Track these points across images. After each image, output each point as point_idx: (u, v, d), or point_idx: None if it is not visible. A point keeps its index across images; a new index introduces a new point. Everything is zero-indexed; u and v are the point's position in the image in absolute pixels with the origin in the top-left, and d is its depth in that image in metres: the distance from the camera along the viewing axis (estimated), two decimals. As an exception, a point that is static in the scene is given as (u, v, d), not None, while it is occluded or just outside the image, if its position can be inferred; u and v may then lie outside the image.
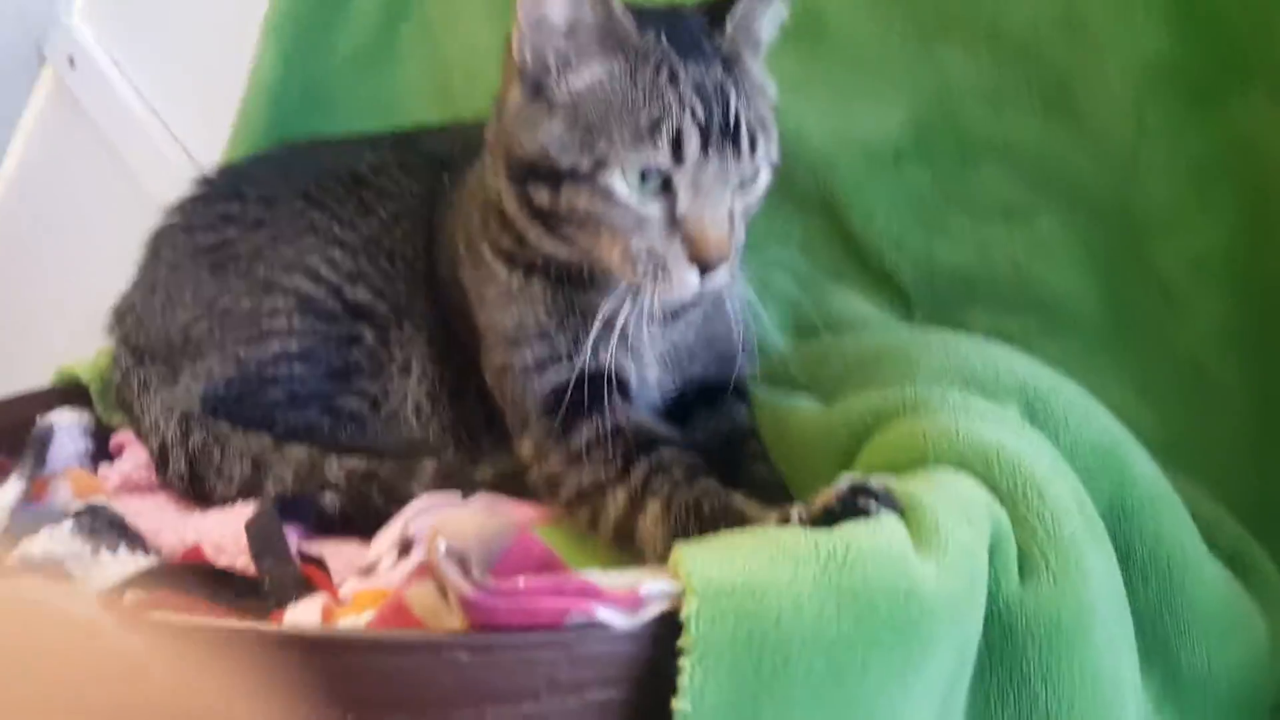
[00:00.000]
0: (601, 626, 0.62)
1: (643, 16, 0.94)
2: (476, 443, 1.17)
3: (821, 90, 1.30)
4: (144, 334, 1.19)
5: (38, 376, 1.32)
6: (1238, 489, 1.11)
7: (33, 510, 1.04)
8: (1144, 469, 0.97)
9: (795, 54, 1.30)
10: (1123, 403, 1.14)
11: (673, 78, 0.90)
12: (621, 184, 0.90)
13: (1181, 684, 0.95)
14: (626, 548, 0.92)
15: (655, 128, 0.89)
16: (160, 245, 1.24)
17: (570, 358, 0.99)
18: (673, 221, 0.90)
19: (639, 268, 0.91)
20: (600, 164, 0.90)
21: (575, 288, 1.00)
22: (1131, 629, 0.86)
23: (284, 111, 1.58)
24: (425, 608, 0.66)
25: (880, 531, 0.70)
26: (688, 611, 0.61)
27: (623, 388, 1.01)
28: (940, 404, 0.89)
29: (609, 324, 0.95)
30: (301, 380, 1.13)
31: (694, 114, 0.89)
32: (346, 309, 1.14)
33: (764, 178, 0.96)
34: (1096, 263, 1.18)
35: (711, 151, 0.90)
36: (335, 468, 1.06)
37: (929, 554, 0.70)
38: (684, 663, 0.60)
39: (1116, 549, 0.93)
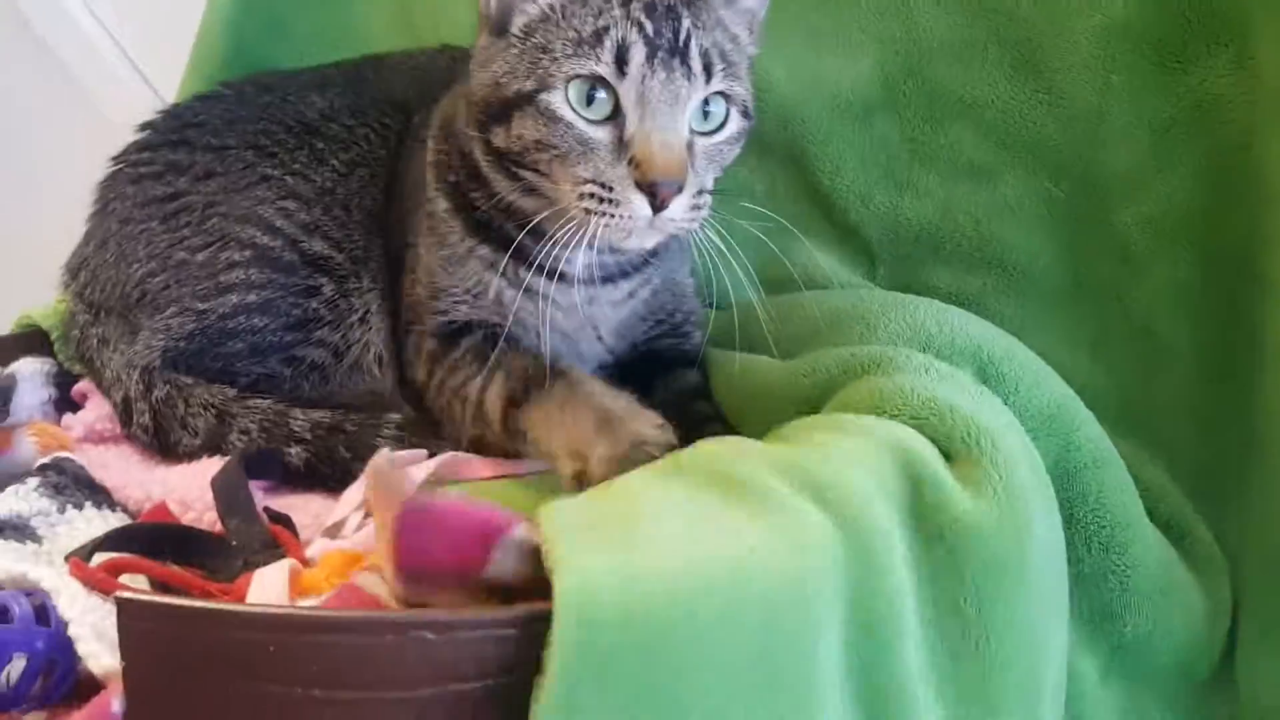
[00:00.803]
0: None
1: None
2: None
3: (792, 36, 1.29)
4: (98, 289, 1.18)
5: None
6: (1182, 451, 1.14)
7: (-1, 462, 1.04)
8: (1090, 432, 1.00)
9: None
10: (1075, 363, 1.17)
11: None
12: (564, 103, 0.90)
13: (1126, 652, 0.99)
14: (483, 427, 1.01)
15: (598, 37, 0.89)
16: (108, 196, 1.22)
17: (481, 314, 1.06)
18: (621, 145, 0.90)
19: (587, 198, 0.90)
20: (543, 82, 0.90)
21: (529, 269, 1.00)
22: (1065, 595, 0.89)
23: (242, 39, 1.55)
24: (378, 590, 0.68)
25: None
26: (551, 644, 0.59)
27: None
28: (904, 364, 0.92)
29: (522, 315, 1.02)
30: (261, 332, 1.13)
31: (640, 27, 0.89)
32: (304, 260, 1.14)
33: (732, 123, 0.96)
34: (1057, 223, 1.20)
35: (658, 65, 0.89)
36: (301, 419, 1.06)
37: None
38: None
39: (1061, 512, 0.97)
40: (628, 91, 0.89)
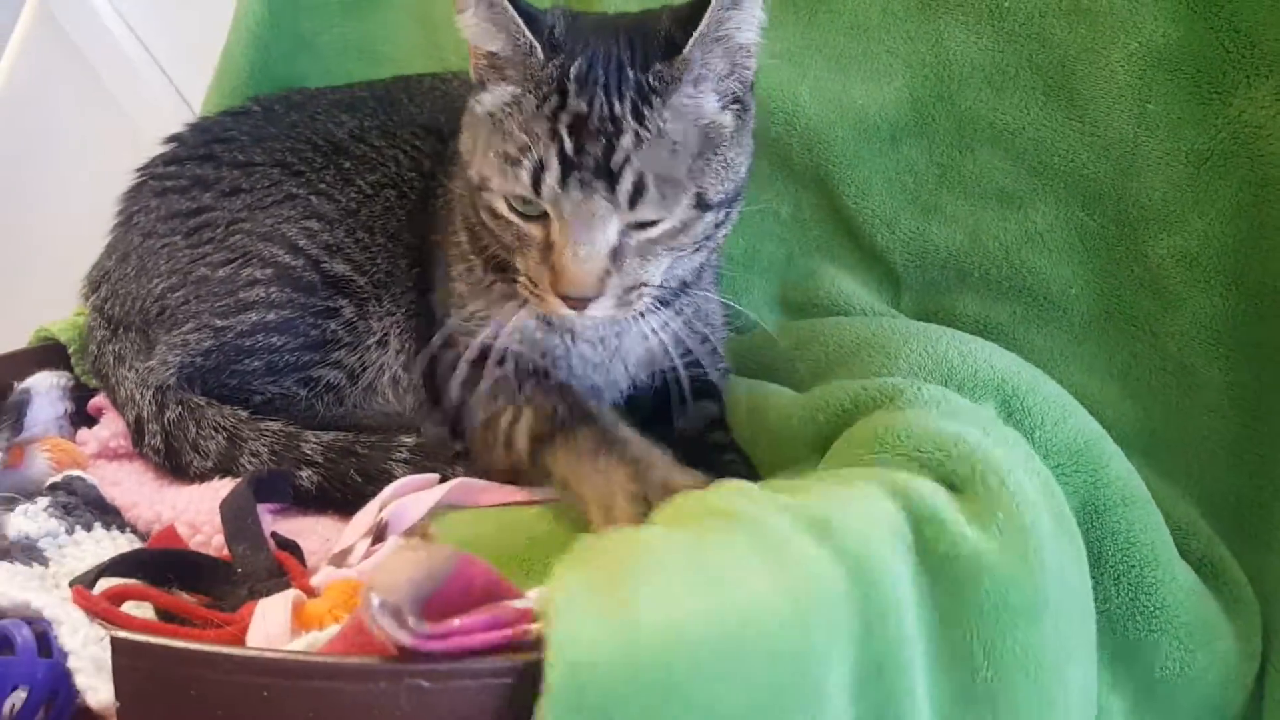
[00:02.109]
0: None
1: (595, 31, 0.93)
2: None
3: (819, 59, 1.27)
4: (118, 304, 1.18)
5: (17, 328, 1.31)
6: (1213, 489, 1.11)
7: (11, 476, 1.04)
8: (1119, 469, 0.97)
9: (795, 20, 1.27)
10: (1104, 396, 1.15)
11: (557, 109, 0.90)
12: (501, 203, 0.93)
13: (1156, 692, 0.96)
14: (511, 460, 1.01)
15: (521, 155, 0.90)
16: (132, 209, 1.23)
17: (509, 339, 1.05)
18: (547, 246, 0.92)
19: (523, 286, 0.95)
20: (483, 182, 0.94)
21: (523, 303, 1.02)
22: (1093, 637, 0.87)
23: (268, 54, 1.55)
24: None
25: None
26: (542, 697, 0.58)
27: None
28: (913, 398, 0.90)
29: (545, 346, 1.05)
30: (279, 351, 1.12)
31: (560, 147, 0.88)
32: (325, 281, 1.13)
33: (673, 218, 0.93)
34: (1089, 253, 1.17)
35: (574, 187, 0.89)
36: (312, 441, 1.05)
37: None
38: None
39: (1088, 550, 0.94)
40: (549, 206, 0.91)
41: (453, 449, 1.08)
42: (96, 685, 0.70)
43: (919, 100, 1.23)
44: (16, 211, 2.00)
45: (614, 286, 0.92)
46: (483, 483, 1.02)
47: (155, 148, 1.28)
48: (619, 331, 1.04)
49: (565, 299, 0.91)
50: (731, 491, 0.79)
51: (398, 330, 1.16)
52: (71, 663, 0.71)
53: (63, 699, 0.72)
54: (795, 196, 1.30)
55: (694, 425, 1.07)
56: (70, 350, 1.24)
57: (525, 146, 0.89)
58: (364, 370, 1.15)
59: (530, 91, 0.91)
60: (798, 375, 1.09)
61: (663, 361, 1.09)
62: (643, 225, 0.92)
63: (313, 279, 1.13)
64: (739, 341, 1.22)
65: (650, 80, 0.90)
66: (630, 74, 0.90)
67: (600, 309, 0.92)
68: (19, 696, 0.71)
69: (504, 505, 1.01)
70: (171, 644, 0.63)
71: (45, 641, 0.74)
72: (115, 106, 1.91)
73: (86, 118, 1.94)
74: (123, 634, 0.62)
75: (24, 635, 0.73)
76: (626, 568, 0.66)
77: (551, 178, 0.89)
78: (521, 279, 0.96)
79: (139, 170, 1.26)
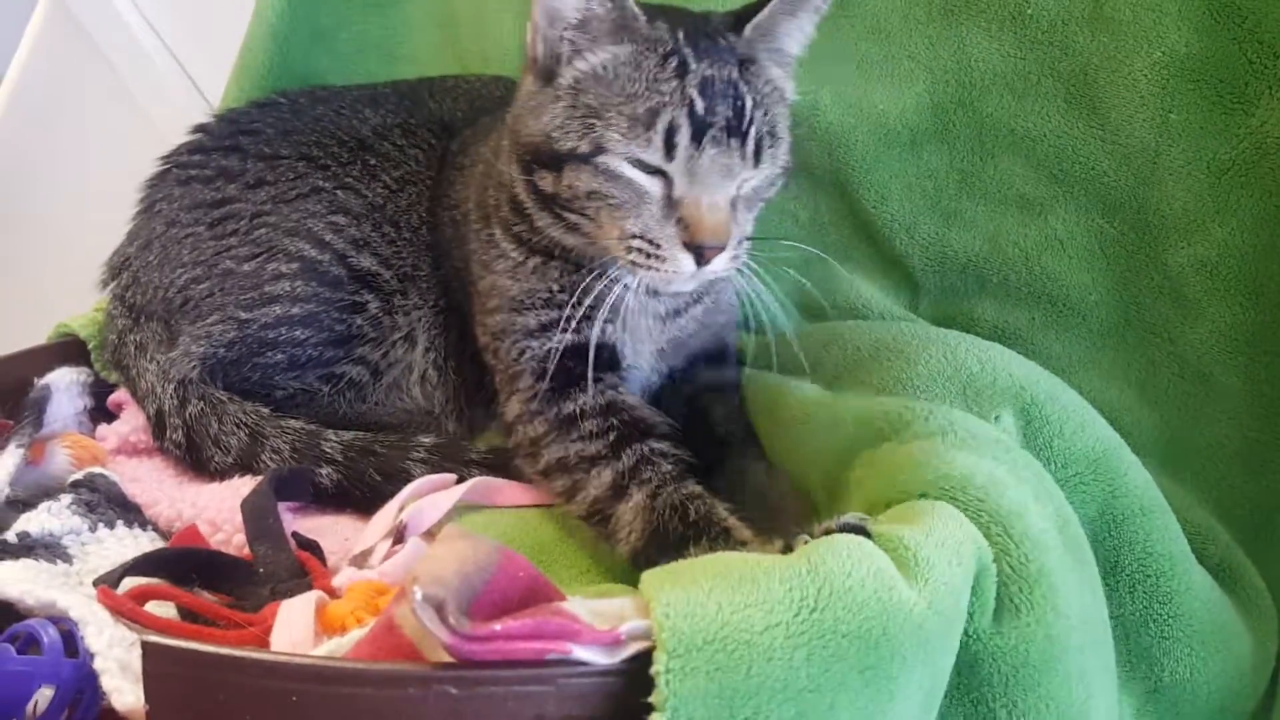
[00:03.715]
0: (587, 663, 0.62)
1: (664, 13, 0.94)
2: (475, 413, 1.18)
3: (841, 62, 1.27)
4: (140, 292, 1.18)
5: (36, 324, 1.32)
6: (1231, 496, 1.11)
7: (32, 473, 1.04)
8: (1137, 478, 0.97)
9: (816, 23, 1.27)
10: (1123, 403, 1.15)
11: (680, 69, 0.90)
12: (621, 162, 0.90)
13: (1162, 695, 0.96)
14: (597, 527, 0.93)
15: (651, 119, 0.89)
16: (155, 196, 1.22)
17: (569, 328, 0.99)
18: (670, 203, 0.90)
19: (634, 251, 0.91)
20: (598, 147, 0.90)
21: (581, 269, 1.00)
22: (1110, 652, 0.87)
23: (287, 50, 1.55)
24: (413, 628, 0.67)
25: (856, 571, 0.69)
26: (658, 668, 0.61)
27: (614, 362, 1.02)
28: (921, 428, 0.88)
29: (606, 303, 0.95)
30: (303, 345, 1.13)
31: (692, 107, 0.89)
32: (351, 275, 1.13)
33: (772, 173, 0.96)
34: (1108, 261, 1.16)
35: (708, 144, 0.89)
36: (333, 440, 1.06)
37: (915, 589, 0.70)
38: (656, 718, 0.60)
39: (1105, 559, 0.94)
40: (675, 168, 0.90)
41: (470, 449, 1.08)
42: (122, 687, 0.70)
43: (940, 106, 1.22)
44: (33, 206, 2.00)
45: (735, 235, 0.92)
46: (500, 482, 1.02)
47: (171, 141, 1.28)
48: (640, 307, 1.02)
49: (700, 250, 0.90)
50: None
51: (425, 325, 1.16)
52: (97, 664, 0.72)
53: (88, 699, 0.72)
54: (814, 200, 1.30)
55: (712, 426, 1.07)
56: (90, 346, 1.24)
57: (654, 109, 0.89)
58: (389, 367, 1.16)
59: (649, 49, 0.91)
60: (816, 378, 1.08)
61: (681, 353, 1.09)
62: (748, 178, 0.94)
63: (338, 273, 1.13)
64: (755, 343, 1.21)
65: (740, 47, 0.94)
66: (721, 42, 0.93)
67: (721, 261, 0.92)
68: (45, 695, 0.72)
69: (521, 507, 1.01)
70: (201, 648, 0.63)
71: (71, 641, 0.74)
72: (131, 101, 1.91)
73: (102, 112, 1.94)
74: (153, 638, 0.62)
75: (50, 635, 0.74)
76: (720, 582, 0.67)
77: (684, 137, 0.89)
78: (630, 244, 0.91)
79: (163, 158, 1.26)
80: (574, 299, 0.97)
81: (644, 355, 1.06)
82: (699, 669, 0.61)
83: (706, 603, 0.64)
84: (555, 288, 1.02)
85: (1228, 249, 1.09)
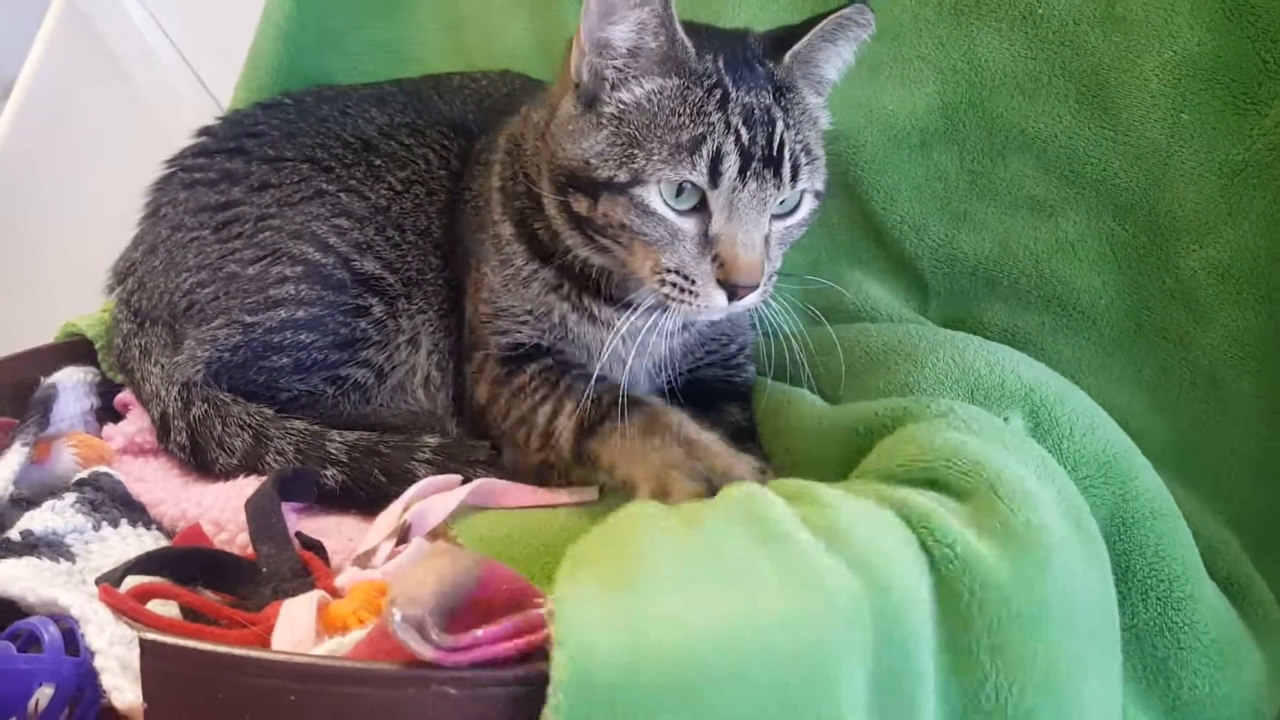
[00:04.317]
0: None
1: (704, 36, 0.95)
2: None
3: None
4: (145, 297, 1.18)
5: (43, 324, 1.32)
6: (1242, 504, 1.10)
7: (37, 472, 1.05)
8: (1147, 482, 0.96)
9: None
10: (1133, 408, 1.14)
11: (723, 101, 0.91)
12: (657, 198, 0.91)
13: (1183, 712, 0.95)
14: (551, 453, 1.00)
15: (696, 146, 0.90)
16: (161, 200, 1.23)
17: (541, 336, 1.06)
18: (705, 240, 0.92)
19: (668, 284, 0.93)
20: (637, 177, 0.91)
21: (594, 296, 1.03)
22: (1117, 653, 0.85)
23: (295, 51, 1.55)
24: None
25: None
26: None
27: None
28: (922, 412, 0.89)
29: (583, 338, 1.03)
30: (308, 348, 1.12)
31: (737, 137, 0.90)
32: (355, 279, 1.13)
33: (805, 206, 0.98)
34: (1119, 263, 1.16)
35: (750, 176, 0.91)
36: (337, 441, 1.05)
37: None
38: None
39: (1116, 564, 0.93)
40: (717, 198, 0.91)
41: (475, 450, 1.08)
42: (122, 686, 0.70)
43: (950, 106, 1.22)
44: (42, 206, 2.00)
45: (767, 272, 0.94)
46: (504, 484, 1.01)
47: (181, 143, 1.28)
48: (645, 328, 1.02)
49: (735, 288, 0.91)
50: (753, 495, 0.78)
51: (429, 329, 1.16)
52: (98, 662, 0.72)
53: (88, 698, 0.72)
54: (823, 202, 1.29)
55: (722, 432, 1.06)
56: (97, 346, 1.24)
57: (699, 137, 0.90)
58: (393, 370, 1.16)
59: (694, 84, 0.92)
60: (824, 380, 1.08)
61: (685, 361, 1.10)
62: (781, 217, 0.96)
63: (343, 277, 1.13)
64: (763, 344, 1.21)
65: (777, 74, 0.95)
66: (759, 69, 0.94)
67: (752, 297, 0.94)
68: (45, 694, 0.72)
69: (526, 508, 1.01)
70: (200, 646, 0.63)
71: (71, 639, 0.74)
72: (141, 102, 1.92)
73: (113, 113, 1.95)
74: (152, 635, 0.62)
75: (51, 633, 0.73)
76: (637, 567, 0.65)
77: (731, 166, 0.90)
78: (664, 277, 0.93)
79: (168, 161, 1.26)
80: (554, 329, 1.05)
81: (635, 373, 1.07)
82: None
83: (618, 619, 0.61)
84: (532, 308, 1.06)
85: (1240, 251, 1.08)
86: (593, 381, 1.00)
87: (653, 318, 0.98)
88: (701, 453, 0.88)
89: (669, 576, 0.66)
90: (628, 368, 0.99)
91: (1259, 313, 1.08)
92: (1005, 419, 0.93)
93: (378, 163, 1.18)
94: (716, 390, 1.10)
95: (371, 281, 1.14)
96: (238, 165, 1.19)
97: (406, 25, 1.56)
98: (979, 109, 1.20)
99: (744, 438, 1.05)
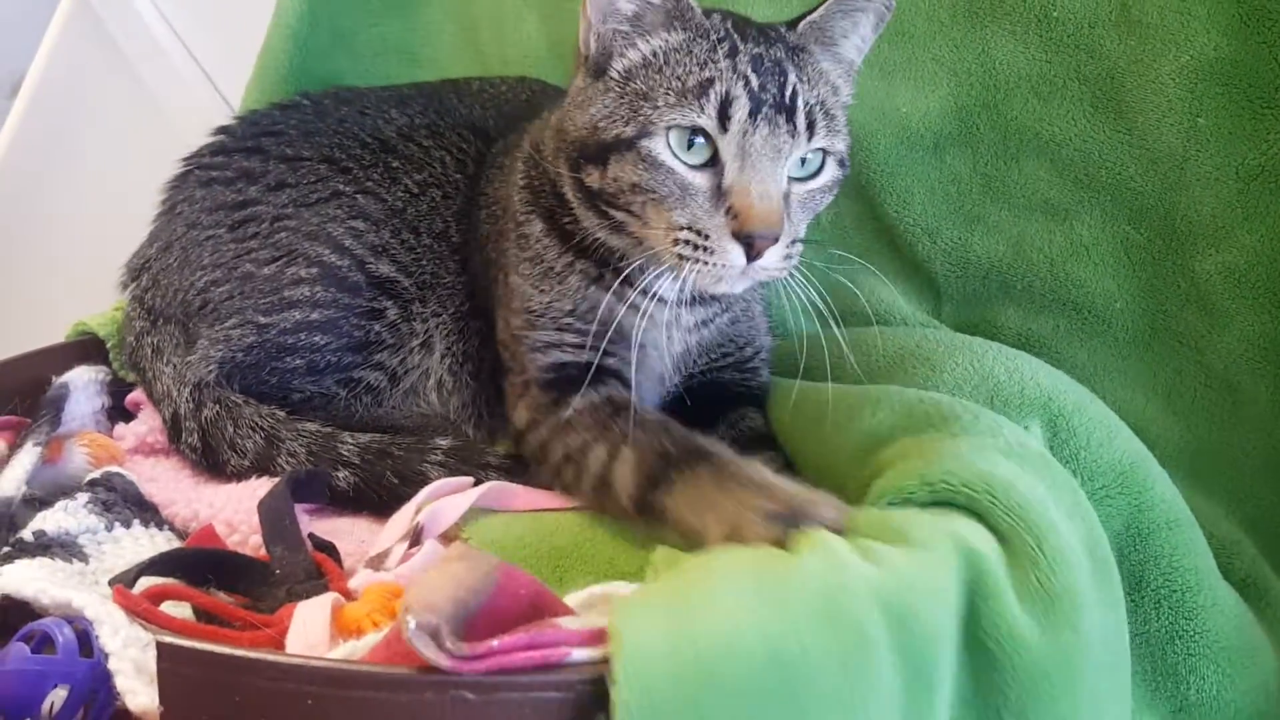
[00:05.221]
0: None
1: (717, 10, 0.95)
2: (495, 418, 1.18)
3: (863, 66, 1.25)
4: (159, 295, 1.18)
5: (55, 323, 1.32)
6: (1258, 508, 1.10)
7: (49, 471, 1.04)
8: (1163, 492, 0.96)
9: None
10: (1148, 413, 1.13)
11: (732, 51, 0.91)
12: (665, 149, 0.90)
13: (1189, 714, 0.95)
14: (605, 499, 0.93)
15: (704, 90, 0.89)
16: (177, 198, 1.22)
17: (581, 348, 1.01)
18: (719, 193, 0.90)
19: (681, 243, 0.90)
20: (644, 129, 0.90)
21: (609, 287, 1.00)
22: (1127, 676, 0.84)
23: (307, 51, 1.55)
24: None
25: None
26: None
27: (622, 380, 1.02)
28: (969, 426, 0.85)
29: (625, 327, 0.97)
30: (321, 350, 1.12)
31: (746, 82, 0.89)
32: (370, 282, 1.13)
33: (828, 171, 0.96)
34: (1134, 268, 1.15)
35: (761, 120, 0.89)
36: (349, 443, 1.05)
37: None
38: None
39: (1130, 573, 0.93)
40: (728, 145, 0.90)
41: (486, 453, 1.08)
42: (136, 689, 0.70)
43: (964, 109, 1.21)
44: (53, 206, 2.00)
45: (788, 232, 0.91)
46: (516, 487, 1.01)
47: (191, 143, 1.28)
48: (673, 319, 1.02)
49: (749, 243, 0.88)
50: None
51: (443, 332, 1.16)
52: (112, 664, 0.71)
53: (102, 700, 0.72)
54: (835, 203, 1.26)
55: (739, 437, 1.05)
56: (108, 345, 1.24)
57: (707, 80, 0.89)
58: (406, 373, 1.15)
59: (701, 36, 0.92)
60: (840, 383, 1.07)
61: (701, 362, 1.08)
62: (802, 179, 0.94)
63: (358, 279, 1.12)
64: (777, 347, 1.20)
65: (790, 37, 0.95)
66: (770, 33, 0.95)
67: (773, 256, 0.90)
68: (59, 695, 0.72)
69: (537, 510, 1.00)
70: (217, 650, 0.63)
71: (85, 640, 0.74)
72: (152, 102, 1.91)
73: (123, 112, 1.94)
74: (168, 638, 0.62)
75: (65, 634, 0.73)
76: (693, 589, 0.65)
77: (740, 110, 0.89)
78: (677, 236, 0.90)
79: (185, 159, 1.26)
80: (594, 325, 0.99)
81: (659, 370, 1.06)
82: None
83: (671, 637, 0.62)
84: (570, 305, 1.02)
85: (1256, 256, 1.08)
86: (661, 429, 0.92)
87: (674, 309, 0.97)
88: (786, 499, 0.79)
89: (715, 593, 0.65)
90: (633, 367, 0.98)
91: (1275, 317, 1.08)
92: (1025, 428, 0.92)
93: (395, 164, 1.18)
94: (733, 394, 1.09)
95: (386, 284, 1.13)
96: (255, 164, 1.19)
97: (418, 26, 1.56)
98: (993, 112, 1.20)
99: (764, 443, 1.04)
